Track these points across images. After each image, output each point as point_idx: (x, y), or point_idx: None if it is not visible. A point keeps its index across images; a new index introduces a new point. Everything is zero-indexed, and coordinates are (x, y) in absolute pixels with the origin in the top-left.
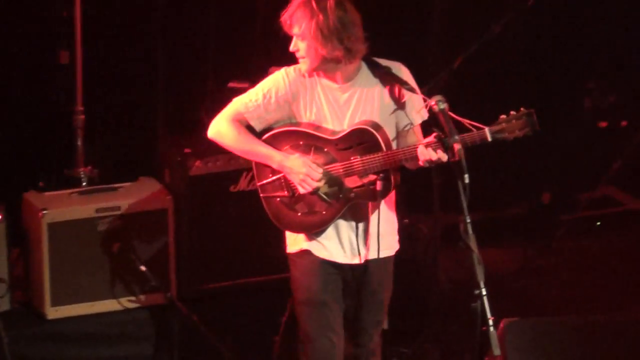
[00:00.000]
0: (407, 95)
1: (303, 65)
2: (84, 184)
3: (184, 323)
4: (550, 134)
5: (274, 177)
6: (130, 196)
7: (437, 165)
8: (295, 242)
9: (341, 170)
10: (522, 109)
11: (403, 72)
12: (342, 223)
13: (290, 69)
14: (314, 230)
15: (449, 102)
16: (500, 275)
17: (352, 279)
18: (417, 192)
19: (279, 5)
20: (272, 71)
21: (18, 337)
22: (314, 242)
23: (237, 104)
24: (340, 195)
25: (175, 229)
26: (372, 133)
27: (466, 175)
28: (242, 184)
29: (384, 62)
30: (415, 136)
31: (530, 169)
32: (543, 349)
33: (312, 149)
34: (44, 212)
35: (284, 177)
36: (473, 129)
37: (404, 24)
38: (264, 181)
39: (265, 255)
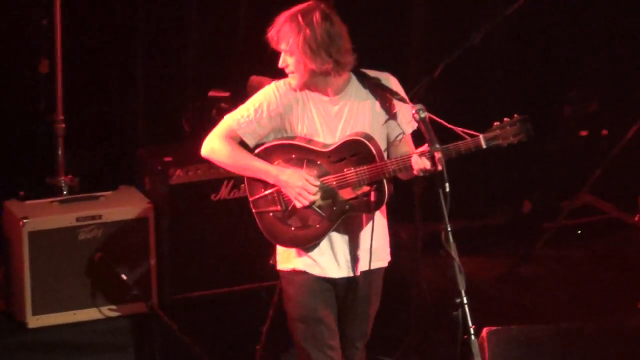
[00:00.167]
0: (398, 106)
1: (293, 80)
2: (64, 192)
3: (165, 332)
4: (531, 142)
5: (267, 192)
6: (111, 205)
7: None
8: (287, 260)
9: (334, 182)
10: (515, 115)
11: (392, 82)
12: (336, 236)
13: (280, 83)
14: (307, 245)
15: (438, 111)
16: (482, 283)
17: (344, 291)
18: (399, 201)
19: (260, 14)
20: (252, 80)
21: None
22: (307, 260)
23: (229, 121)
24: (334, 208)
25: (156, 237)
26: (365, 144)
27: (447, 184)
28: (223, 193)
29: (372, 73)
30: (407, 146)
31: (511, 177)
32: (525, 357)
33: (305, 162)
34: (25, 220)
35: (277, 192)
36: (467, 136)
37: (385, 32)
38: (257, 196)
39: (247, 264)
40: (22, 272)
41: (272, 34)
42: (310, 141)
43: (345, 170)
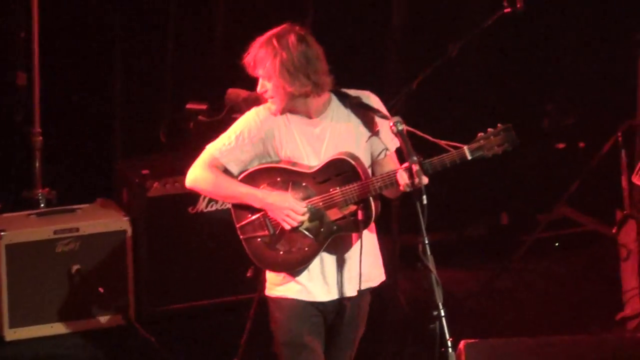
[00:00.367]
0: (380, 123)
1: (272, 105)
2: (42, 205)
3: (142, 345)
4: (508, 155)
5: (254, 217)
6: (88, 218)
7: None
8: (276, 286)
9: (321, 203)
10: (499, 125)
11: (373, 100)
12: (325, 257)
13: (261, 108)
14: (297, 268)
15: (419, 127)
16: (459, 296)
17: (334, 315)
18: None
19: (237, 27)
20: (230, 93)
21: None
22: (295, 287)
23: (211, 150)
24: (322, 229)
25: (133, 250)
26: (350, 162)
27: (424, 196)
28: (201, 206)
29: (352, 92)
30: (392, 163)
31: (488, 190)
32: None
33: (290, 184)
34: (2, 233)
35: (263, 216)
36: (451, 149)
37: (362, 46)
38: (243, 222)
39: (224, 277)
40: None
41: (248, 60)
42: (294, 164)
43: (331, 190)
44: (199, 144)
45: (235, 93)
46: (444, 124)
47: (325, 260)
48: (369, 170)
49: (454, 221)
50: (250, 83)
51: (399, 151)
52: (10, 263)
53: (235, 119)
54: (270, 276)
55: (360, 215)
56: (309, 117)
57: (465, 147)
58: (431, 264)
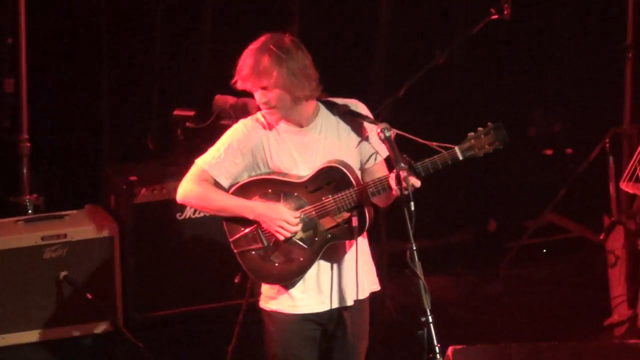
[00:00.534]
0: (369, 129)
1: (271, 115)
2: (29, 211)
3: (130, 351)
4: (496, 161)
5: (247, 230)
6: (76, 224)
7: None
8: (269, 299)
9: (314, 212)
10: (489, 123)
11: (360, 108)
12: (321, 267)
13: (248, 120)
14: (294, 279)
15: (409, 131)
16: (447, 302)
17: (333, 326)
18: None
19: (225, 34)
20: (217, 99)
21: None
22: (290, 301)
23: (200, 164)
24: (317, 239)
25: (121, 256)
26: (341, 170)
27: (412, 203)
28: (188, 212)
29: (340, 100)
30: (382, 170)
31: (476, 196)
32: None
33: (282, 195)
34: None
35: (256, 228)
36: (442, 150)
37: (348, 52)
38: (237, 236)
39: (212, 283)
40: None
41: (245, 75)
42: (285, 174)
43: (323, 198)
44: (186, 150)
45: (223, 99)
46: (429, 131)
47: (321, 270)
48: (359, 177)
49: (442, 228)
50: (238, 90)
51: (387, 158)
52: None
53: (222, 125)
54: (265, 288)
55: (354, 222)
56: (300, 125)
57: (457, 147)
58: (419, 270)
